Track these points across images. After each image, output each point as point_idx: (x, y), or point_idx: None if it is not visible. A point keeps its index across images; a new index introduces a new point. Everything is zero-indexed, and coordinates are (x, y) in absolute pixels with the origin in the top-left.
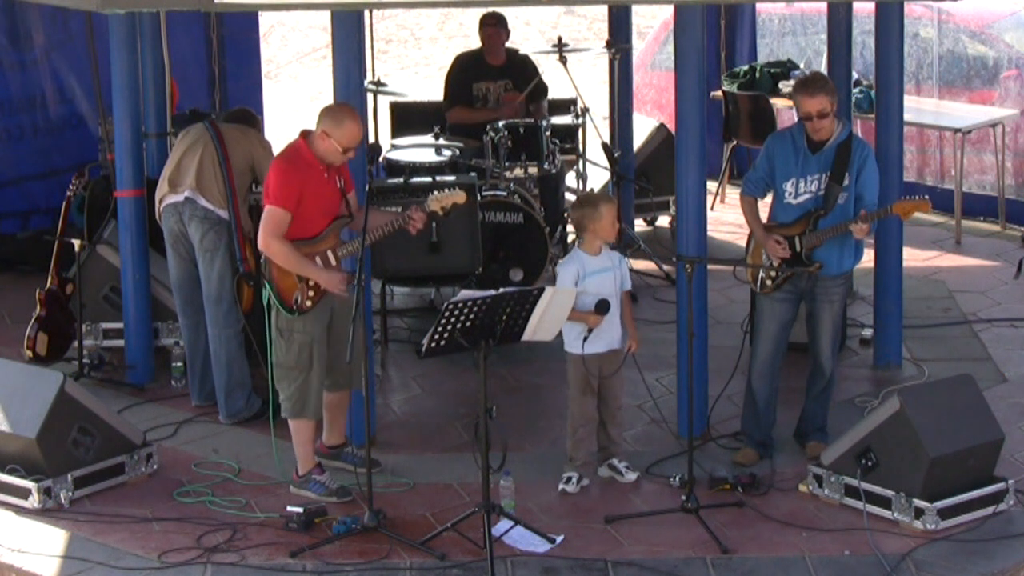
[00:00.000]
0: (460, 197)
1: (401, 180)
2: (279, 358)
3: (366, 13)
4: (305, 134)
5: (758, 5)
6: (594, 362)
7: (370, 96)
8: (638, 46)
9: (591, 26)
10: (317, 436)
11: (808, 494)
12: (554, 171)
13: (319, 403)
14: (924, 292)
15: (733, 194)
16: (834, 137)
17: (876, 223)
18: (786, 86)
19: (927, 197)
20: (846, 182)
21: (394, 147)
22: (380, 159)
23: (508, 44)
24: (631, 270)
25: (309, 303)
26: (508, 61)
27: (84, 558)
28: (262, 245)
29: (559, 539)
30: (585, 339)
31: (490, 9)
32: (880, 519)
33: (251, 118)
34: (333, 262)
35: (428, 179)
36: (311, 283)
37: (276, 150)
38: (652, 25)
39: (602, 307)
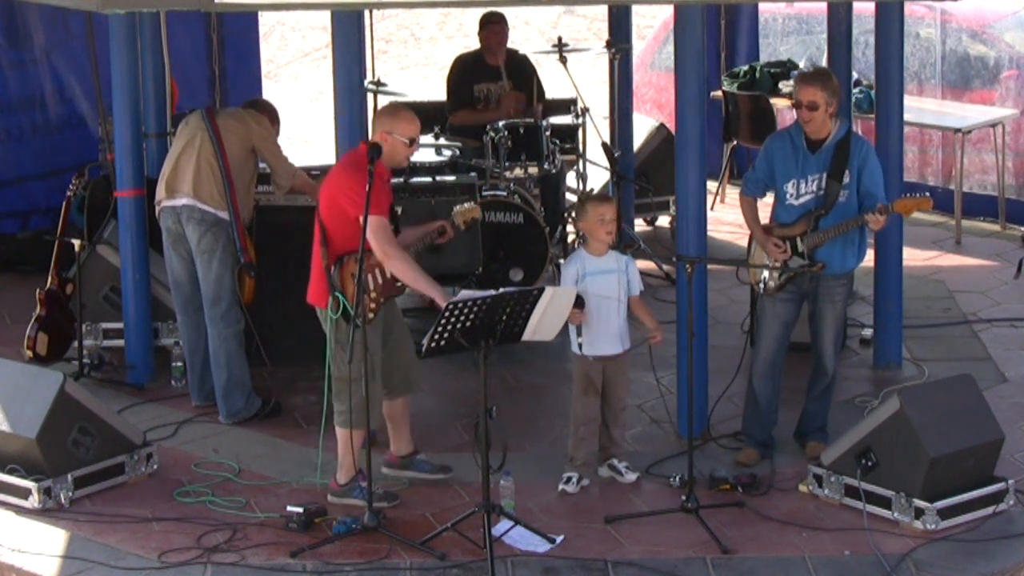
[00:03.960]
0: (476, 211)
1: (401, 180)
2: (340, 371)
3: (366, 13)
4: (366, 142)
5: (760, 5)
6: (596, 364)
7: (370, 96)
8: (638, 46)
9: (591, 26)
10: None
11: (808, 494)
12: (554, 171)
13: (379, 412)
14: (924, 292)
15: (733, 194)
16: (832, 136)
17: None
18: (786, 86)
19: (928, 195)
20: (846, 180)
21: None
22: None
23: (508, 44)
24: None
25: (371, 315)
26: (508, 61)
27: (84, 558)
28: (381, 255)
29: (559, 539)
30: (580, 344)
31: (490, 9)
32: (880, 519)
33: (259, 107)
34: (389, 273)
35: (428, 179)
36: (372, 295)
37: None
38: (652, 25)
39: (576, 302)
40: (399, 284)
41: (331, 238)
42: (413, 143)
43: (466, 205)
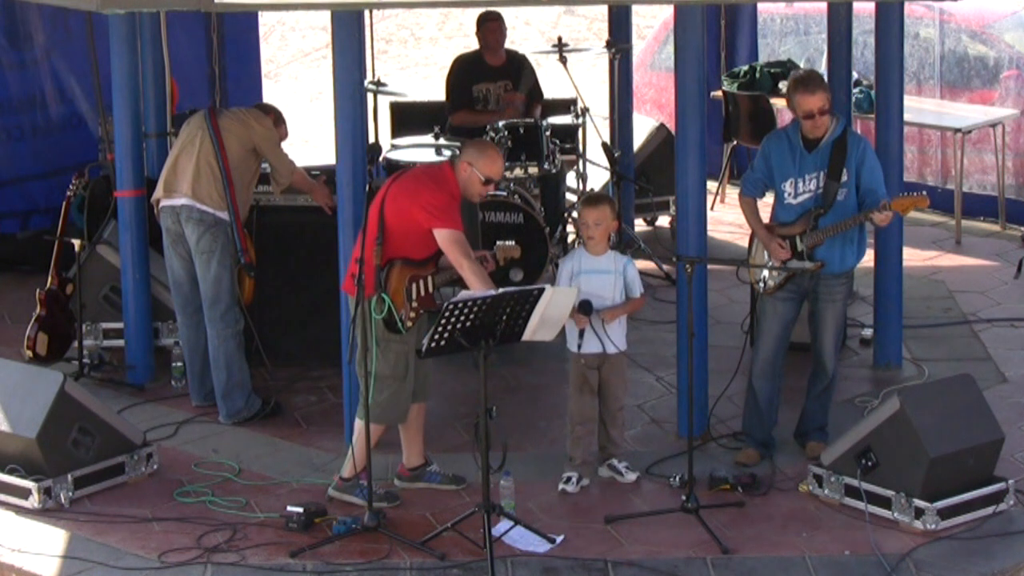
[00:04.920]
0: (517, 252)
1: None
2: (375, 368)
3: (366, 13)
4: (450, 163)
5: (759, 5)
6: (592, 363)
7: (370, 96)
8: (638, 46)
9: (591, 26)
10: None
11: (808, 494)
12: (554, 171)
13: (407, 411)
14: (924, 292)
15: (733, 194)
16: (829, 134)
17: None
18: (786, 86)
19: (924, 193)
20: (844, 178)
21: (394, 147)
22: (380, 159)
23: (508, 44)
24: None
25: (410, 323)
26: (507, 61)
27: (84, 558)
28: (458, 267)
29: (559, 539)
30: (579, 344)
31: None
32: (880, 519)
33: (264, 109)
34: (431, 288)
35: None
36: (414, 304)
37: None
38: (652, 25)
39: (583, 307)
40: (439, 302)
41: (389, 239)
42: (489, 183)
43: (509, 243)
